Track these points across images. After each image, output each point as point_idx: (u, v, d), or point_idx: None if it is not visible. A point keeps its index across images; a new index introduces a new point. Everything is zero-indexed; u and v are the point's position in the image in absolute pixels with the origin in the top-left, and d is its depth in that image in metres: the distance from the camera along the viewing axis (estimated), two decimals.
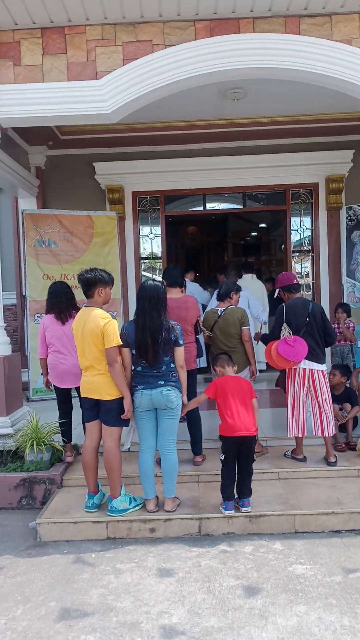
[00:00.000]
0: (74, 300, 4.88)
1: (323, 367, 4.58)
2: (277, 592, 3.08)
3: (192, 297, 4.70)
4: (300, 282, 8.21)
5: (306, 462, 4.66)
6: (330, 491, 4.19)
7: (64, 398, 4.80)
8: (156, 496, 3.97)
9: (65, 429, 4.77)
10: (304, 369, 4.53)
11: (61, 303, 4.76)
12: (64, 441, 4.77)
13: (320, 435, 4.58)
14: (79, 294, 5.39)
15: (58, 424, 4.74)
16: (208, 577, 3.26)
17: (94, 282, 3.85)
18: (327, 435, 4.57)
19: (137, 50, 4.76)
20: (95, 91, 4.76)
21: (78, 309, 4.89)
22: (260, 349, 5.29)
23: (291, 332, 4.51)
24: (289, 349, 4.43)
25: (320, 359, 4.58)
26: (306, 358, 4.49)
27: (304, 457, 4.69)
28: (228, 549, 3.61)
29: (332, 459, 4.59)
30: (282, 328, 4.54)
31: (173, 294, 4.45)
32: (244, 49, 4.68)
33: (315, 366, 4.54)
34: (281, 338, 4.51)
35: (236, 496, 3.94)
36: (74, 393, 4.74)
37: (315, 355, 4.53)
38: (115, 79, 4.74)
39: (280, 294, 4.84)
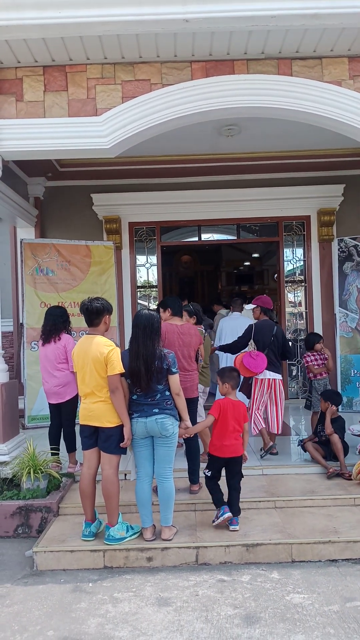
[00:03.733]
0: (62, 325, 5.13)
1: (280, 377, 5.48)
2: (275, 621, 3.08)
3: (193, 325, 4.84)
4: (293, 311, 8.42)
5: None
6: (326, 520, 4.21)
7: (53, 410, 5.20)
8: (153, 525, 3.97)
9: (70, 439, 5.12)
10: (268, 379, 5.38)
11: (47, 326, 5.12)
12: (53, 450, 4.98)
13: (276, 432, 5.44)
14: (78, 322, 5.51)
15: (52, 450, 4.93)
16: (206, 606, 3.26)
17: (102, 310, 3.94)
18: (277, 433, 5.46)
19: (136, 88, 4.95)
20: (95, 127, 4.92)
21: (61, 333, 5.06)
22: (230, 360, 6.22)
23: (256, 348, 5.34)
24: (252, 361, 5.24)
25: (278, 370, 5.49)
26: (269, 370, 5.35)
27: (272, 444, 5.39)
28: (225, 578, 3.61)
29: (274, 451, 5.41)
30: (249, 344, 5.37)
31: (177, 320, 4.67)
32: (238, 89, 4.88)
33: (276, 376, 5.42)
34: (247, 351, 5.34)
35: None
36: None
37: (275, 367, 5.44)
38: (115, 115, 4.91)
39: (255, 311, 5.67)
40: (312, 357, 5.99)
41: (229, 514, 4.02)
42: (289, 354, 5.73)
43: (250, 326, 5.53)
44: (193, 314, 5.26)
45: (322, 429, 5.24)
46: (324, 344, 6.13)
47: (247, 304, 8.17)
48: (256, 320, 5.65)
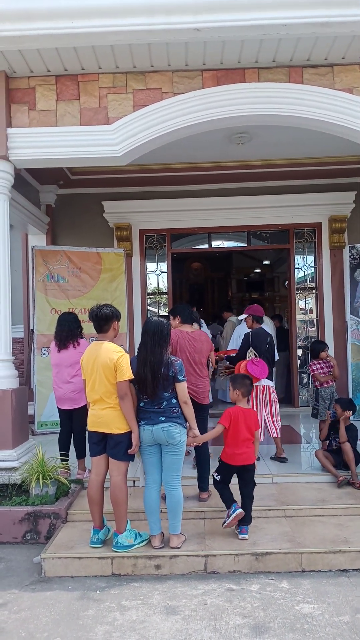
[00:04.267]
0: (77, 331, 5.19)
1: (272, 384, 5.60)
2: (284, 631, 3.05)
3: (204, 332, 4.86)
4: (304, 319, 8.43)
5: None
6: (337, 529, 4.16)
7: (63, 416, 5.20)
8: (162, 532, 3.95)
9: (80, 445, 5.10)
10: (264, 385, 5.46)
11: (62, 331, 5.13)
12: (62, 456, 4.99)
13: (276, 435, 5.48)
14: (88, 328, 5.52)
15: (61, 457, 4.95)
16: (214, 615, 3.23)
17: (111, 316, 3.96)
18: (277, 436, 5.50)
19: (147, 97, 4.99)
20: (107, 135, 4.97)
21: (79, 339, 5.10)
22: None
23: (257, 355, 5.36)
24: (255, 368, 5.23)
25: (271, 377, 5.59)
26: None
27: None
28: (234, 587, 3.58)
29: (283, 454, 5.55)
30: (249, 351, 5.38)
31: (187, 328, 4.69)
32: (249, 97, 4.91)
33: (269, 383, 5.52)
34: (247, 359, 5.31)
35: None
36: None
37: (270, 374, 5.50)
38: (126, 124, 4.96)
39: (248, 320, 5.69)
40: (318, 366, 5.86)
41: (240, 511, 3.97)
42: (274, 361, 5.86)
43: (248, 335, 5.55)
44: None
45: (334, 437, 5.19)
46: (334, 351, 6.07)
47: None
48: (251, 329, 5.63)
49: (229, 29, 4.36)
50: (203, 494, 4.64)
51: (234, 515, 3.97)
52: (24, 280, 8.09)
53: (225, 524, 4.03)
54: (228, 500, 4.07)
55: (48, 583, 3.71)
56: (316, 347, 5.99)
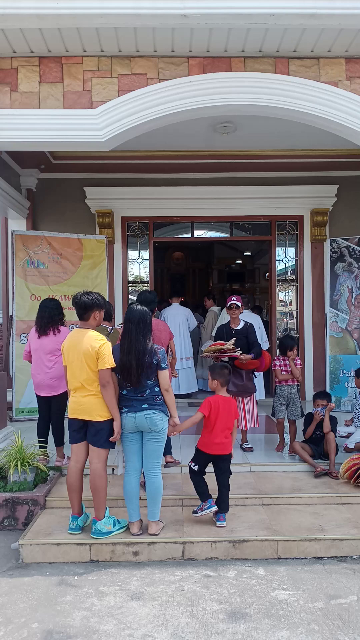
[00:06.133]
0: (58, 317, 5.13)
1: None
2: (260, 617, 3.10)
3: (162, 321, 4.85)
4: (284, 310, 8.51)
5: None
6: (312, 518, 4.23)
7: (42, 403, 5.14)
8: (140, 519, 3.97)
9: (59, 432, 5.08)
10: None
11: (43, 317, 5.07)
12: (41, 443, 4.97)
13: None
14: (69, 315, 5.47)
15: (40, 443, 4.92)
16: (191, 601, 3.27)
17: (90, 305, 3.92)
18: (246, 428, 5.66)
19: (132, 82, 4.92)
20: (90, 120, 4.89)
21: (59, 326, 5.06)
22: None
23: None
24: None
25: None
26: None
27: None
28: (211, 573, 3.62)
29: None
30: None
31: None
32: (235, 87, 4.87)
33: None
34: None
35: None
36: None
37: None
38: (110, 109, 4.88)
39: (242, 310, 5.72)
40: (282, 362, 5.49)
41: (215, 508, 4.05)
42: None
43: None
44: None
45: (316, 430, 5.22)
46: (313, 343, 6.05)
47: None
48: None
49: (217, 16, 4.30)
50: (168, 457, 4.76)
51: (208, 511, 4.05)
52: (3, 266, 7.96)
53: (196, 515, 4.11)
54: (203, 494, 4.12)
55: (26, 569, 3.70)
56: (285, 343, 5.54)
